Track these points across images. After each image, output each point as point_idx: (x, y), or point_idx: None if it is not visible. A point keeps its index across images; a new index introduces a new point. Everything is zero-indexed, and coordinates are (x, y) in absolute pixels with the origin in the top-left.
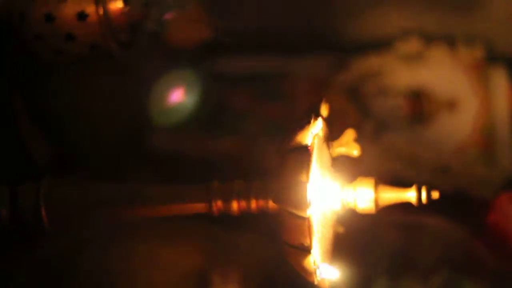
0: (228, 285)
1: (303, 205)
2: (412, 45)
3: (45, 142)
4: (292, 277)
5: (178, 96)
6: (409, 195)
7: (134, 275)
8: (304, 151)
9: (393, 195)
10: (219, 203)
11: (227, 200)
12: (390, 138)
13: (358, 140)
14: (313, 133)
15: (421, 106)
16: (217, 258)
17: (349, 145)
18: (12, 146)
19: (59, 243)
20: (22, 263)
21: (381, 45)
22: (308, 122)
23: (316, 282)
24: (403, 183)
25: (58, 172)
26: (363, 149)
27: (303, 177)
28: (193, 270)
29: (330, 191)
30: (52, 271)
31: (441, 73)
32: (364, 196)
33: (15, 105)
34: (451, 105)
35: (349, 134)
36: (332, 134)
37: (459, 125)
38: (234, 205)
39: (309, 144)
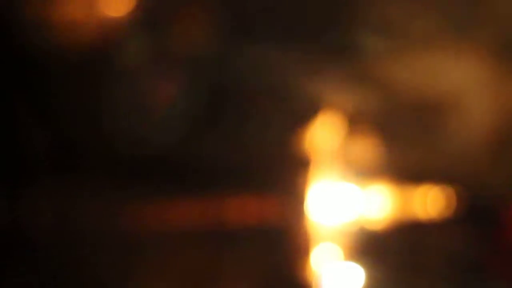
0: None
1: (316, 205)
2: (417, 34)
3: (46, 140)
4: (301, 278)
5: (165, 101)
6: (424, 194)
7: (138, 284)
8: (317, 151)
9: (408, 195)
10: (228, 216)
11: (235, 214)
12: (400, 129)
13: (372, 136)
14: (327, 131)
15: (429, 97)
16: (223, 264)
17: (361, 142)
18: (12, 144)
19: (59, 244)
20: (24, 263)
21: (386, 33)
22: (323, 120)
23: (328, 285)
24: (418, 179)
25: (59, 170)
26: (375, 145)
27: (315, 177)
28: (199, 277)
29: (346, 192)
30: (52, 272)
31: (450, 62)
32: (380, 196)
33: (16, 103)
34: (460, 95)
35: (362, 132)
36: (348, 131)
37: (469, 115)
38: (246, 203)
39: (323, 143)
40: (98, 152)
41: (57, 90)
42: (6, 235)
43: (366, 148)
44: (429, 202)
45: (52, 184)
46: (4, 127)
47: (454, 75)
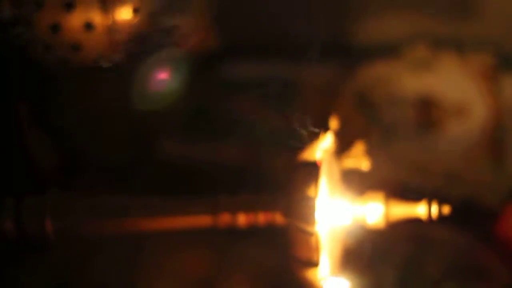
0: None
1: (311, 220)
2: (420, 52)
3: (51, 151)
4: (299, 285)
5: (162, 80)
6: (419, 210)
7: (138, 285)
8: (313, 166)
9: (402, 210)
10: (226, 216)
11: (234, 214)
12: (398, 146)
13: (366, 150)
14: (322, 148)
15: (429, 114)
16: (223, 268)
17: (358, 158)
18: (17, 155)
19: (63, 254)
20: (26, 275)
21: (389, 51)
22: (317, 136)
23: None
24: (412, 192)
25: (64, 181)
26: (371, 158)
27: (311, 192)
28: (199, 280)
29: (339, 206)
30: (54, 282)
31: (450, 80)
32: (374, 211)
33: (20, 113)
34: (460, 112)
35: (359, 147)
36: (340, 143)
37: (468, 132)
38: (241, 219)
39: (318, 159)
40: (101, 158)
41: (63, 98)
42: (11, 244)
43: (365, 161)
44: (428, 211)
45: (57, 193)
46: (8, 136)
47: (454, 91)
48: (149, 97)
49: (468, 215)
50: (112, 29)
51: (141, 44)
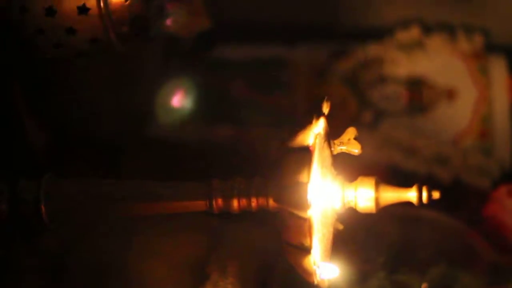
0: (226, 276)
1: (304, 205)
2: (412, 34)
3: (45, 133)
4: (290, 268)
5: (179, 99)
6: (410, 195)
7: (132, 266)
8: (306, 151)
9: (393, 195)
10: (219, 201)
11: (227, 198)
12: (388, 127)
13: (357, 131)
14: (315, 133)
15: (420, 95)
16: (215, 249)
17: (350, 143)
18: (11, 138)
19: (57, 235)
20: (21, 256)
21: (381, 33)
22: (310, 122)
23: (315, 282)
24: (402, 173)
25: (58, 163)
26: (361, 138)
27: (304, 178)
28: (191, 261)
29: (331, 191)
30: (50, 262)
31: (441, 63)
32: (365, 196)
33: (14, 96)
34: (450, 94)
35: (350, 133)
36: (331, 125)
37: (457, 114)
38: (234, 203)
39: (310, 144)
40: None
41: (56, 81)
42: (6, 227)
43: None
44: (418, 196)
45: (51, 176)
46: (3, 119)
47: (445, 73)
48: (170, 112)
49: (457, 197)
50: (105, 12)
51: (134, 27)
